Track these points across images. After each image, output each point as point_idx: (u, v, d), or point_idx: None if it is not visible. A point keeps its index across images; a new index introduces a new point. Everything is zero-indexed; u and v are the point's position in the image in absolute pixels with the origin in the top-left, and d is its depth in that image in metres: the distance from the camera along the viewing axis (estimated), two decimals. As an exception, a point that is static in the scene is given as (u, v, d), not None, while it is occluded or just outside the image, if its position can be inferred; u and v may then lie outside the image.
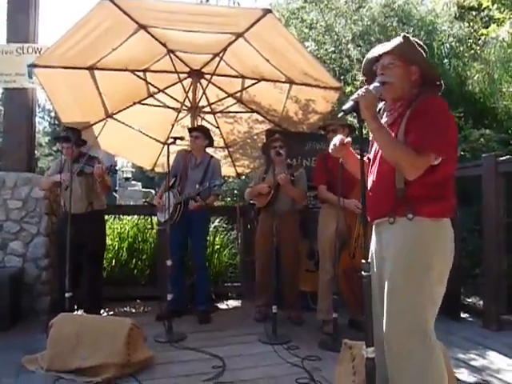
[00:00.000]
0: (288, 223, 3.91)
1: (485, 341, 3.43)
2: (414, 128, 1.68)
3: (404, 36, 1.74)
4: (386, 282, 1.71)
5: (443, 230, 1.71)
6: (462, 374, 2.75)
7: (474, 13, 7.69)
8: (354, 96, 1.67)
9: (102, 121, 4.98)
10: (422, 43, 1.80)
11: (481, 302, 4.13)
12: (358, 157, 1.84)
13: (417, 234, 1.68)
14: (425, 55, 1.77)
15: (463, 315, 4.05)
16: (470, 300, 4.39)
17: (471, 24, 7.68)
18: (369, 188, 1.85)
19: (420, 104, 1.72)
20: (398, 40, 1.75)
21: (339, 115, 1.95)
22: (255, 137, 5.64)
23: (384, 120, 1.84)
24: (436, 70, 1.87)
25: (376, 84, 1.72)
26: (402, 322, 1.65)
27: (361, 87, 1.71)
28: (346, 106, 1.69)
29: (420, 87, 1.79)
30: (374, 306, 1.71)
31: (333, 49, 7.97)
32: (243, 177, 6.72)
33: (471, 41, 7.37)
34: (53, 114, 23.07)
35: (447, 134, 1.68)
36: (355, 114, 1.69)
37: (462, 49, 7.21)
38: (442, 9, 7.82)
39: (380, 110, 1.89)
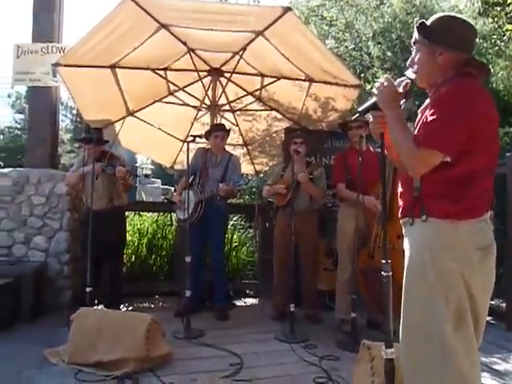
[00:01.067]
0: (306, 221, 3.90)
1: (508, 344, 3.36)
2: (424, 118, 1.58)
3: (420, 22, 1.67)
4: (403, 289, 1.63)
5: (461, 232, 1.53)
6: (485, 378, 2.69)
7: (498, 8, 7.50)
8: (375, 86, 1.64)
9: (123, 118, 5.04)
10: (462, 19, 1.68)
11: (504, 305, 4.05)
12: None
13: (430, 237, 1.56)
14: (460, 31, 1.64)
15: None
16: (493, 302, 4.30)
17: (495, 20, 7.49)
18: (399, 185, 1.78)
19: (441, 90, 1.60)
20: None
21: (354, 117, 1.89)
22: (274, 135, 5.64)
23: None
24: (467, 42, 1.65)
25: (401, 78, 1.68)
26: (414, 330, 1.56)
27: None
28: (361, 108, 1.68)
29: (458, 69, 1.62)
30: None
31: (353, 46, 7.89)
32: (261, 174, 6.73)
33: (495, 37, 7.20)
34: (75, 112, 23.49)
35: (457, 126, 1.50)
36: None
37: (485, 45, 7.05)
38: (465, 5, 7.65)
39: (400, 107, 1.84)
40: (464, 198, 1.54)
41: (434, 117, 1.54)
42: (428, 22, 1.67)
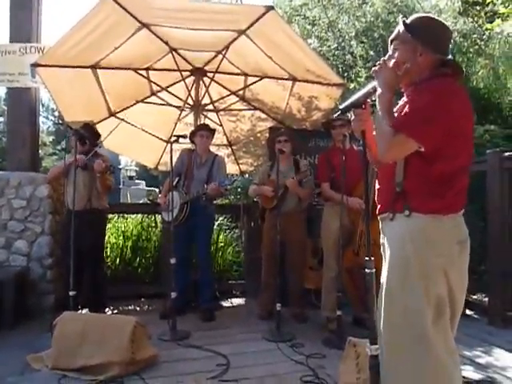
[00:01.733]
0: (294, 221, 3.90)
1: (490, 338, 3.42)
2: (403, 109, 1.63)
3: (403, 20, 1.69)
4: (383, 282, 1.66)
5: (444, 228, 1.59)
6: (467, 371, 2.73)
7: (478, 8, 7.63)
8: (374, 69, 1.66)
9: (105, 119, 4.99)
10: (440, 21, 1.71)
11: (486, 299, 4.12)
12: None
13: (413, 232, 1.59)
14: (439, 33, 1.68)
15: (468, 312, 4.03)
16: (475, 297, 4.37)
17: (475, 19, 7.63)
18: (377, 181, 1.79)
19: (420, 87, 1.65)
20: (400, 25, 1.70)
21: (336, 115, 1.89)
22: (258, 134, 5.64)
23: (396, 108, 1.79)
24: (445, 44, 1.69)
25: (371, 85, 1.69)
26: (395, 323, 1.59)
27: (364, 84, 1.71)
28: (343, 105, 1.69)
29: (434, 70, 1.67)
30: (378, 305, 1.67)
31: (336, 45, 7.95)
32: (247, 175, 6.73)
33: (475, 36, 7.32)
34: (56, 114, 23.20)
35: (435, 120, 1.54)
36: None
37: (466, 44, 7.17)
38: (445, 4, 7.77)
39: None
40: (446, 194, 1.59)
41: (414, 108, 1.59)
42: (408, 21, 1.69)
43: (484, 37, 7.10)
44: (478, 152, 5.03)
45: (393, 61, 1.68)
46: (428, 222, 1.59)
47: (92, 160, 3.76)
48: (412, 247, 1.58)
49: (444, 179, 1.59)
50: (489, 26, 6.49)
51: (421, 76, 1.69)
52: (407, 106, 1.62)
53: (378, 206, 1.77)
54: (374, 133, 1.70)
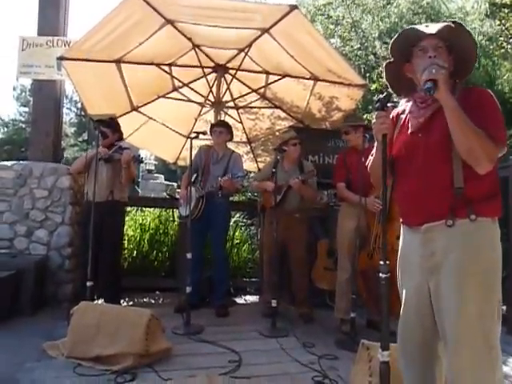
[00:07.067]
0: (297, 220, 3.90)
1: (509, 348, 3.34)
2: (477, 119, 1.53)
3: (455, 22, 1.61)
4: (449, 293, 1.57)
5: (498, 229, 1.63)
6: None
7: (506, 10, 7.46)
8: (429, 74, 1.53)
9: (127, 113, 5.05)
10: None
11: (504, 307, 4.04)
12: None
13: (483, 236, 1.59)
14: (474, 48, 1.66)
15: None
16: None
17: (503, 22, 7.46)
18: (409, 189, 1.67)
19: (471, 94, 1.63)
20: (446, 24, 1.60)
21: (422, 93, 1.69)
22: (277, 133, 5.63)
23: (418, 111, 1.71)
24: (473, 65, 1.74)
25: (437, 67, 1.55)
26: (472, 334, 1.53)
27: (386, 86, 1.65)
28: (426, 86, 1.52)
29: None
30: (408, 318, 1.66)
31: (359, 46, 7.89)
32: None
33: (502, 39, 7.17)
34: (79, 106, 23.55)
35: (504, 125, 1.62)
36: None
37: (492, 47, 7.03)
38: (472, 6, 7.62)
39: (404, 111, 1.82)
40: (498, 195, 1.62)
41: (493, 117, 1.59)
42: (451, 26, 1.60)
43: (511, 40, 6.95)
44: (500, 157, 4.95)
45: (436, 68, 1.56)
46: (492, 225, 1.61)
47: (117, 151, 3.83)
48: (483, 251, 1.57)
49: (496, 181, 1.64)
50: (516, 28, 6.36)
51: (448, 81, 1.63)
52: (486, 116, 1.56)
53: (420, 215, 1.67)
54: (458, 142, 1.56)
